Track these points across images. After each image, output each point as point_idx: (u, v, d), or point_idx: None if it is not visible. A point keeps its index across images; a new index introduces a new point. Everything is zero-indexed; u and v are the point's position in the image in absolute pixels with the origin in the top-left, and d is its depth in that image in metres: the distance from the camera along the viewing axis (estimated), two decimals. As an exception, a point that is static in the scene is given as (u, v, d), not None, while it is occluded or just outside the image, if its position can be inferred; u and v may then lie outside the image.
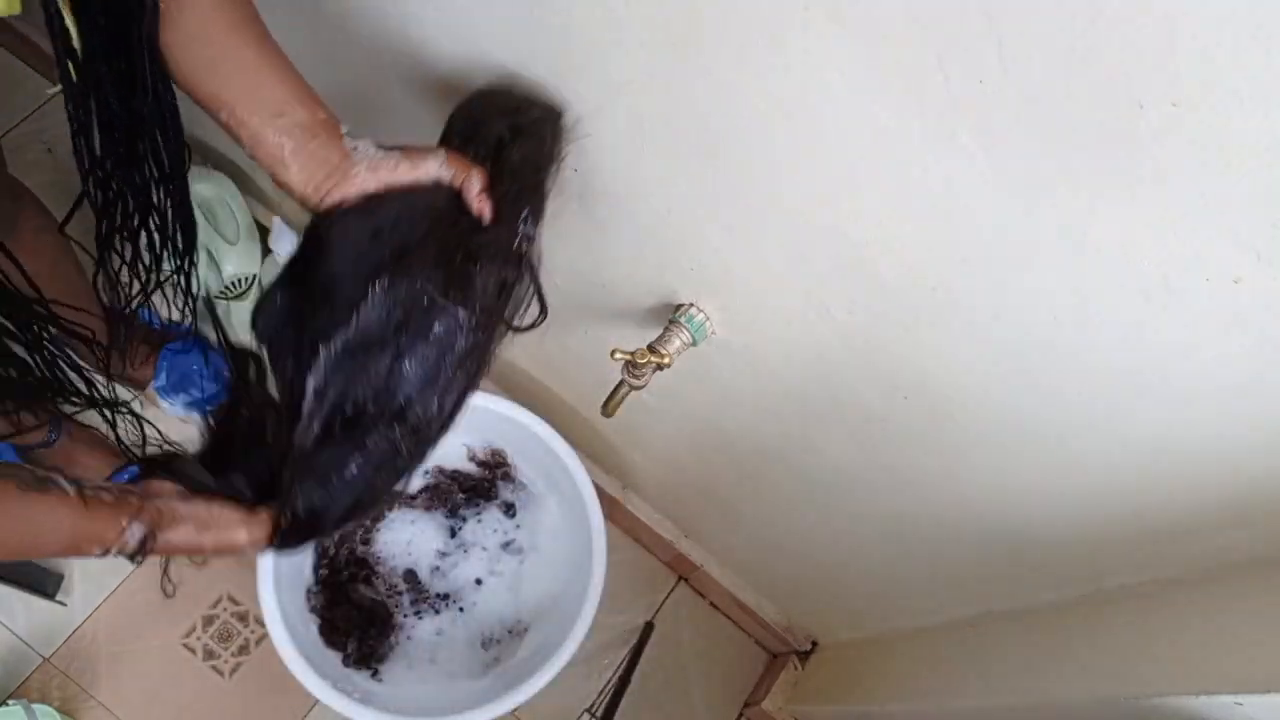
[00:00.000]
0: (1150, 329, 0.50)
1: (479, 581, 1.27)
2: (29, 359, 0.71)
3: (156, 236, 0.69)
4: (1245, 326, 0.46)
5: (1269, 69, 0.35)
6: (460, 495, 1.28)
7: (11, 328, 0.68)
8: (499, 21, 0.64)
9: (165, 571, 1.27)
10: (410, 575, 1.26)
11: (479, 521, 1.29)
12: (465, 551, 1.28)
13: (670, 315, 0.77)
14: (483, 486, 1.29)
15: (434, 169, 0.61)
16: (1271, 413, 0.50)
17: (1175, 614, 0.67)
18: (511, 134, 0.64)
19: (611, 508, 1.38)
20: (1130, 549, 0.69)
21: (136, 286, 0.72)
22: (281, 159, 0.59)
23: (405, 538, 1.27)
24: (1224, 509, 0.59)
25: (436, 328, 0.58)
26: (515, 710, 1.05)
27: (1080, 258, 0.48)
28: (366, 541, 1.26)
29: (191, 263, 0.73)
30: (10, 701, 1.11)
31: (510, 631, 1.24)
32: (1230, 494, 0.57)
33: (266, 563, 1.04)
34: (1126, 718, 0.67)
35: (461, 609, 1.25)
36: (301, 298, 0.61)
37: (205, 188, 1.30)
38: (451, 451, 1.28)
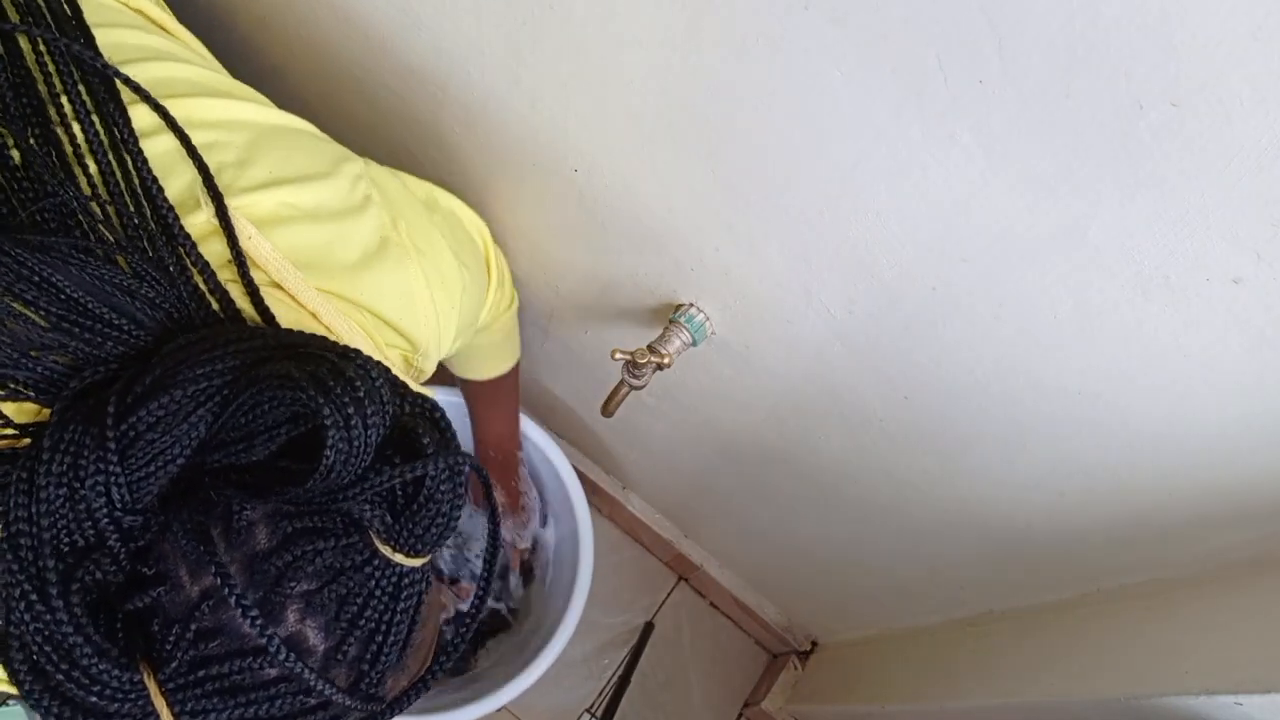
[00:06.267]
0: (1150, 329, 0.50)
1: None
2: None
3: None
4: (1245, 326, 0.46)
5: (1269, 69, 0.35)
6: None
7: None
8: (497, 20, 0.64)
9: None
10: None
11: (470, 518, 1.29)
12: (457, 550, 1.28)
13: (670, 315, 0.77)
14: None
15: None
16: (1271, 413, 0.50)
17: (1175, 614, 0.67)
18: None
19: (611, 508, 1.38)
20: (1130, 549, 0.69)
21: None
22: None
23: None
24: (1224, 509, 0.59)
25: None
26: (510, 708, 1.05)
27: (1080, 257, 0.48)
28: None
29: None
30: (11, 701, 1.11)
31: (500, 629, 1.24)
32: (1230, 494, 0.57)
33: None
34: (1126, 717, 0.67)
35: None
36: None
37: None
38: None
